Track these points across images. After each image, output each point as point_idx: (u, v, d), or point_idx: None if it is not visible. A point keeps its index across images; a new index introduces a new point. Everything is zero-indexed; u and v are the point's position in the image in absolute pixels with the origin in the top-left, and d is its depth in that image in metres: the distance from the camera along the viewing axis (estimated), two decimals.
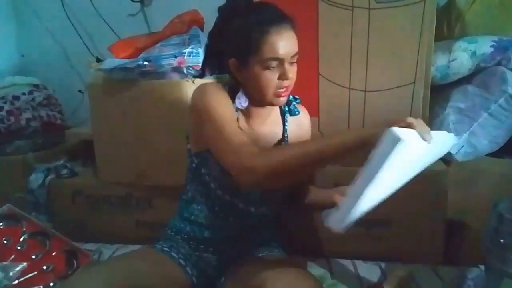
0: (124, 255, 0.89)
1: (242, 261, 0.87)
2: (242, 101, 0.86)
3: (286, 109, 0.95)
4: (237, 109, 0.86)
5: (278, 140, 0.92)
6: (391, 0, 1.06)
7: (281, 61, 0.80)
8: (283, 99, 0.84)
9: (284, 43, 0.80)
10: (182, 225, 0.93)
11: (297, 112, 0.94)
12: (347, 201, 0.57)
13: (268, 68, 0.80)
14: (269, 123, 0.92)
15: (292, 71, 0.82)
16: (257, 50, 0.80)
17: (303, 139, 0.94)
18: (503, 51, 1.15)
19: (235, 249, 0.91)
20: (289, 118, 0.95)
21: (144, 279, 0.79)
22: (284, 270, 0.77)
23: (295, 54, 0.82)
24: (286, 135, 0.93)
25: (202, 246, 0.91)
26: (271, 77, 0.81)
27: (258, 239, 0.95)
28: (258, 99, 0.85)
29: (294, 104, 0.95)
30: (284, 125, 0.94)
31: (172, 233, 0.94)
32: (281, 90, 0.82)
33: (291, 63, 0.82)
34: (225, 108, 0.81)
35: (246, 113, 0.89)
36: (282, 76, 0.81)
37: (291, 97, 0.94)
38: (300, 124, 0.97)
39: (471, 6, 1.27)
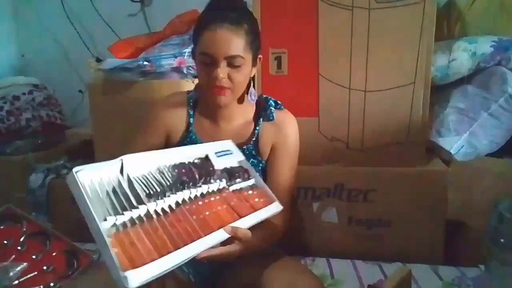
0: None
1: (238, 261, 0.87)
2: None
3: (263, 113, 0.94)
4: (194, 111, 0.96)
5: (242, 143, 0.93)
6: (391, 0, 1.06)
7: (213, 59, 0.82)
8: (219, 98, 0.84)
9: (217, 42, 0.81)
10: None
11: (271, 118, 0.93)
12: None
13: (202, 63, 0.83)
14: (237, 125, 0.94)
15: (227, 72, 0.83)
16: (196, 43, 0.84)
17: (279, 147, 0.94)
18: (503, 51, 1.15)
19: None
20: (262, 122, 0.94)
21: None
22: (282, 268, 0.77)
23: (233, 58, 0.82)
24: (253, 138, 0.93)
25: None
26: (203, 73, 0.84)
27: None
28: (203, 94, 0.89)
29: (271, 109, 0.94)
30: (255, 129, 0.94)
31: None
32: (215, 88, 0.83)
33: (233, 66, 0.82)
34: (144, 137, 0.96)
35: (215, 111, 0.93)
36: (213, 75, 0.82)
37: (271, 101, 0.95)
38: (277, 131, 0.94)
39: (471, 6, 1.28)
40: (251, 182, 0.86)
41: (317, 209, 1.18)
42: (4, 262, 1.01)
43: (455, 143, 1.13)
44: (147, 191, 0.67)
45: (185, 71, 1.24)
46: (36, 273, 1.01)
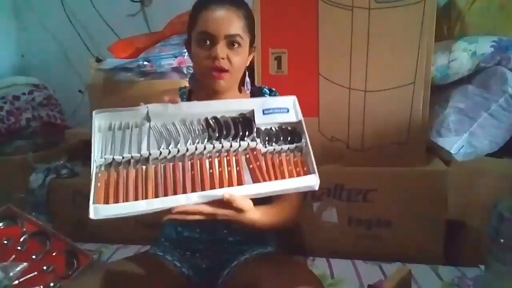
0: (119, 261, 0.88)
1: (237, 262, 0.86)
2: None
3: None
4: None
5: None
6: (391, 0, 1.06)
7: (212, 38, 0.81)
8: (218, 82, 0.83)
9: (217, 20, 0.81)
10: (168, 232, 0.94)
11: None
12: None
13: (200, 43, 0.82)
14: None
15: (226, 53, 0.82)
16: (194, 25, 0.83)
17: None
18: (503, 51, 1.15)
19: (218, 254, 0.90)
20: None
21: (143, 280, 0.79)
22: (282, 268, 0.76)
23: (233, 37, 0.81)
24: None
25: (188, 253, 0.91)
26: (202, 55, 0.82)
27: (241, 239, 0.91)
28: (200, 80, 0.87)
29: (266, 97, 0.92)
30: None
31: (163, 239, 0.94)
32: (213, 71, 0.82)
33: (231, 47, 0.82)
34: None
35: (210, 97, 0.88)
36: (212, 54, 0.81)
37: (265, 89, 0.94)
38: None
39: (471, 6, 1.28)
40: (294, 146, 0.80)
41: (317, 209, 1.18)
42: (4, 262, 1.02)
43: (455, 143, 1.13)
44: (160, 139, 0.73)
45: (185, 71, 1.24)
46: (36, 273, 1.02)
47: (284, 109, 0.82)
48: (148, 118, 0.74)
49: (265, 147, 0.78)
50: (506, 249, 0.82)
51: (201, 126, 0.76)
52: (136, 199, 0.67)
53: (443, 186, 1.11)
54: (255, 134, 0.78)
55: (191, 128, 0.76)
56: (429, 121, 1.14)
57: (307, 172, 0.77)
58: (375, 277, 1.02)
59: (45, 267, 1.03)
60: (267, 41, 1.12)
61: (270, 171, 0.75)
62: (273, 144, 0.79)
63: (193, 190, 0.69)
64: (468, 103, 1.15)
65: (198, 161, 0.73)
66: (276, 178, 0.74)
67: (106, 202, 0.67)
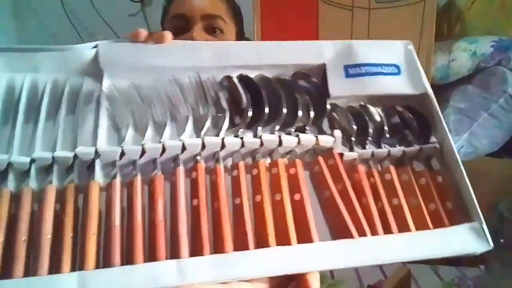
0: None
1: None
2: None
3: None
4: None
5: None
6: (391, 0, 1.06)
7: (187, 22, 0.68)
8: None
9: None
10: None
11: None
12: None
13: (175, 29, 0.67)
14: None
15: (204, 38, 0.66)
16: (167, 11, 0.73)
17: None
18: (503, 51, 1.15)
19: None
20: None
21: None
22: None
23: (213, 18, 0.68)
24: None
25: None
26: None
27: None
28: None
29: None
30: None
31: None
32: None
33: (211, 33, 0.68)
34: None
35: None
36: (187, 38, 0.64)
37: None
38: None
39: (471, 6, 1.27)
40: (419, 149, 0.45)
41: None
42: None
43: (455, 143, 1.13)
44: (120, 121, 0.42)
45: None
46: None
47: (389, 66, 0.48)
48: (97, 71, 0.43)
49: (352, 148, 0.45)
50: (506, 249, 0.82)
51: (213, 95, 0.44)
52: (57, 269, 0.34)
53: None
54: (328, 120, 0.45)
55: (194, 99, 0.44)
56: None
57: (456, 215, 0.42)
58: (375, 277, 1.02)
59: None
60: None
61: (370, 205, 0.41)
62: (370, 142, 0.44)
63: (197, 249, 0.37)
64: (468, 103, 1.15)
65: (205, 176, 0.40)
66: (385, 228, 0.41)
67: None
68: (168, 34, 0.45)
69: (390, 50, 0.51)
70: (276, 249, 0.37)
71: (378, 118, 0.48)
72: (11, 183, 0.38)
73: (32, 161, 0.39)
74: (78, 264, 0.36)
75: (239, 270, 0.36)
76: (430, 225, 0.41)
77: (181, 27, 0.68)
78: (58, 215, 0.38)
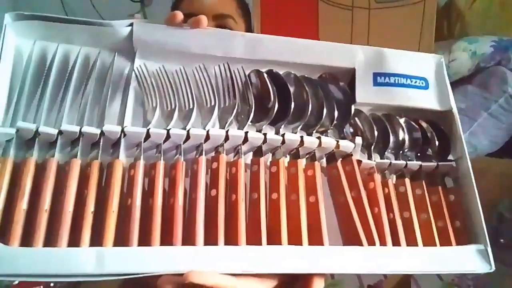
0: None
1: None
2: None
3: None
4: None
5: None
6: (391, 0, 1.06)
7: None
8: None
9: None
10: None
11: None
12: None
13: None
14: None
15: None
16: (176, 9, 0.70)
17: None
18: (503, 51, 1.15)
19: None
20: None
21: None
22: None
23: (224, 18, 0.68)
24: None
25: None
26: None
27: None
28: None
29: None
30: None
31: None
32: None
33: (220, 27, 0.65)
34: None
35: None
36: None
37: None
38: None
39: (471, 6, 1.27)
40: (436, 165, 0.46)
41: None
42: None
43: None
44: (148, 102, 0.43)
45: None
46: None
47: (418, 79, 0.48)
48: (129, 49, 0.44)
49: (370, 156, 0.46)
50: (506, 249, 0.83)
51: (241, 87, 0.45)
52: (76, 243, 0.36)
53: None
54: (351, 126, 0.47)
55: (221, 89, 0.45)
56: None
57: (463, 235, 0.44)
58: (375, 277, 1.02)
59: None
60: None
61: (381, 216, 0.42)
62: (389, 152, 0.46)
63: (211, 239, 0.38)
64: (468, 103, 1.15)
65: (225, 169, 0.41)
66: (394, 240, 0.42)
67: (4, 240, 0.35)
68: (204, 19, 0.45)
69: (421, 63, 0.50)
70: (288, 247, 0.38)
71: (400, 130, 0.48)
72: (36, 153, 0.39)
73: (60, 133, 0.40)
74: (96, 240, 0.37)
75: (250, 264, 0.37)
76: (437, 242, 0.43)
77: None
78: (81, 189, 0.38)
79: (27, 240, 0.35)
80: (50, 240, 0.36)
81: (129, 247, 0.36)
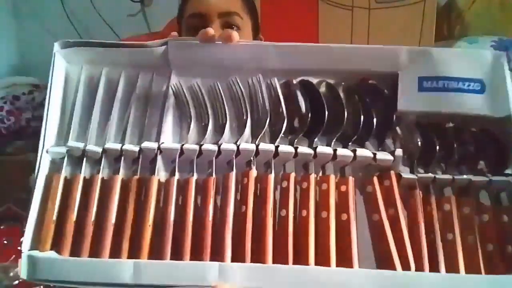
0: None
1: None
2: None
3: None
4: None
5: None
6: (391, 0, 1.07)
7: (204, 20, 0.68)
8: None
9: None
10: None
11: None
12: None
13: (191, 32, 0.69)
14: None
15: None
16: (184, 11, 0.73)
17: None
18: (503, 51, 1.02)
19: None
20: None
21: None
22: None
23: (230, 15, 0.69)
24: None
25: None
26: None
27: None
28: None
29: None
30: None
31: None
32: None
33: (226, 27, 0.67)
34: None
35: None
36: None
37: None
38: None
39: (471, 6, 1.26)
40: (488, 180, 0.42)
41: None
42: (4, 262, 0.99)
43: None
44: (182, 120, 0.46)
45: None
46: None
47: (472, 82, 0.43)
48: (166, 67, 0.47)
49: (413, 170, 0.43)
50: None
51: (271, 98, 0.45)
52: (117, 254, 0.40)
53: None
54: (392, 136, 0.44)
55: (254, 102, 0.45)
56: None
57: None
58: None
59: None
60: (267, 42, 1.12)
61: (420, 237, 0.40)
62: (434, 165, 0.43)
63: (238, 254, 0.39)
64: None
65: (255, 184, 0.42)
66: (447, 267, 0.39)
67: (57, 249, 0.40)
68: (235, 34, 0.45)
69: (477, 62, 0.44)
70: (314, 268, 0.38)
71: (448, 139, 0.44)
72: (84, 169, 0.43)
73: (104, 151, 0.43)
74: (134, 251, 0.40)
75: (276, 282, 0.37)
76: (482, 270, 0.39)
77: (198, 25, 0.67)
78: (122, 204, 0.42)
79: (76, 250, 0.40)
80: (95, 250, 0.40)
81: (162, 261, 0.39)
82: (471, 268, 0.39)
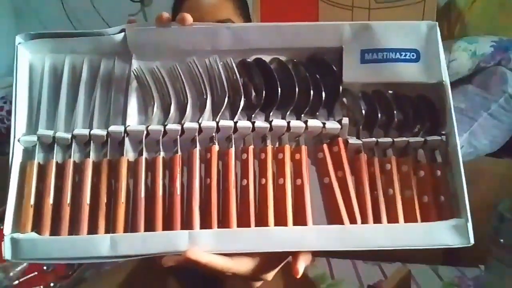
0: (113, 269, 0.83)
1: None
2: None
3: None
4: None
5: None
6: (391, 0, 1.09)
7: None
8: None
9: (202, 6, 0.70)
10: None
11: None
12: None
13: None
14: None
15: None
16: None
17: None
18: (503, 51, 1.16)
19: None
20: None
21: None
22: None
23: (220, 22, 0.69)
24: None
25: None
26: None
27: None
28: None
29: None
30: None
31: None
32: None
33: None
34: None
35: None
36: None
37: None
38: None
39: (471, 6, 1.29)
40: (423, 140, 0.47)
41: None
42: (4, 262, 0.97)
43: None
44: (146, 101, 0.48)
45: None
46: (36, 273, 0.99)
47: (408, 52, 0.47)
48: (126, 52, 0.49)
49: (358, 135, 0.48)
50: (506, 249, 0.82)
51: (229, 77, 0.48)
52: (94, 231, 0.44)
53: None
54: (338, 106, 0.48)
55: (212, 82, 0.48)
56: None
57: (445, 208, 0.46)
58: (375, 277, 1.02)
59: (45, 267, 1.01)
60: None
61: (365, 194, 0.45)
62: (377, 130, 0.48)
63: (206, 222, 0.44)
64: (468, 103, 1.17)
65: (218, 158, 0.46)
66: (390, 218, 0.44)
67: (37, 230, 0.44)
68: (188, 16, 0.48)
69: (413, 33, 0.48)
70: (273, 228, 0.44)
71: (388, 106, 0.49)
72: (56, 155, 0.47)
73: (73, 136, 0.46)
74: (110, 227, 0.44)
75: (241, 244, 0.42)
76: (418, 218, 0.45)
77: None
78: (95, 185, 0.46)
79: (55, 230, 0.43)
80: (73, 229, 0.44)
81: (136, 233, 0.43)
82: (409, 218, 0.46)
